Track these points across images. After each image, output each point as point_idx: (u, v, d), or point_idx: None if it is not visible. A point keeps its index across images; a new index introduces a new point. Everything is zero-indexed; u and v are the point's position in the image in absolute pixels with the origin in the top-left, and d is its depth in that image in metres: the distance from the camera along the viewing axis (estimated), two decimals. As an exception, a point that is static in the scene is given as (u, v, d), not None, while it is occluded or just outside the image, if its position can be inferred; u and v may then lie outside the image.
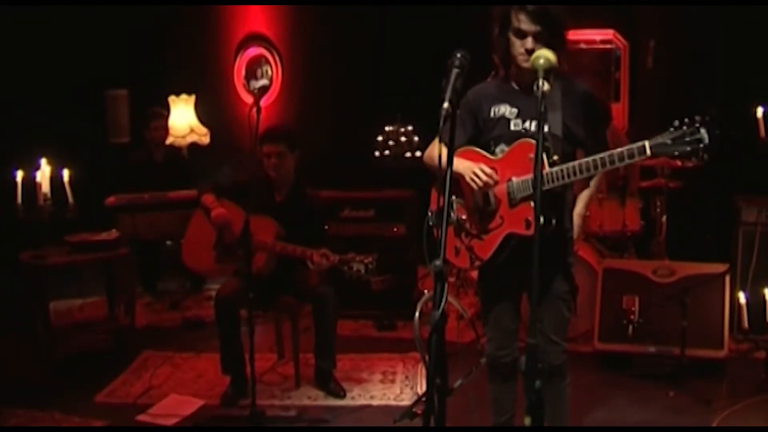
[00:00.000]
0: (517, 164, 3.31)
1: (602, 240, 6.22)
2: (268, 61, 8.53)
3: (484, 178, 3.33)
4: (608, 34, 7.64)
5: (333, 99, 8.19)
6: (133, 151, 7.44)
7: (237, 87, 8.57)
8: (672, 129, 2.92)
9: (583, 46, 7.69)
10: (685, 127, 2.88)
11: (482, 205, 3.45)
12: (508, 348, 3.70)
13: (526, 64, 3.23)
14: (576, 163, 3.16)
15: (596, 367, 5.32)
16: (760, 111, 5.50)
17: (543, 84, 2.39)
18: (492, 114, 3.46)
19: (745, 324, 5.05)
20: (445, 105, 2.44)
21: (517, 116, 3.41)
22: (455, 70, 2.53)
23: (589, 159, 3.13)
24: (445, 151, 3.34)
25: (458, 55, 2.56)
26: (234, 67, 8.55)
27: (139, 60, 7.96)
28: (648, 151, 2.97)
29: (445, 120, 2.44)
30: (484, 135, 3.50)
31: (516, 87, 3.46)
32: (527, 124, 3.39)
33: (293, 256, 4.76)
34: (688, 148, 2.88)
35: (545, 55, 2.52)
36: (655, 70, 7.50)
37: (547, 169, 3.19)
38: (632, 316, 5.17)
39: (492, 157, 3.43)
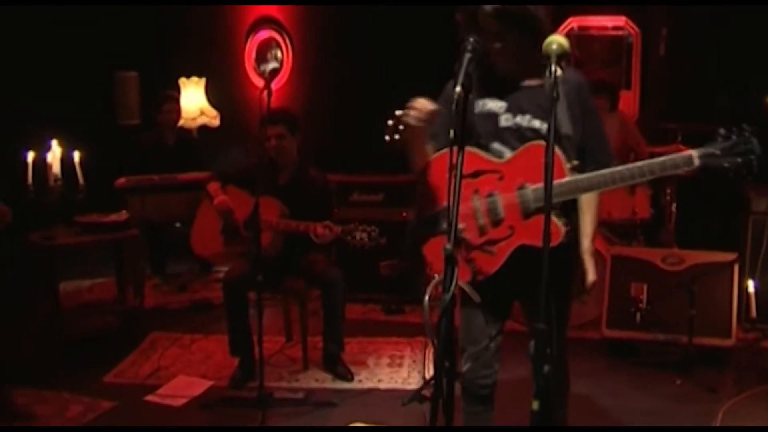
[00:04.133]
0: (530, 169, 2.93)
1: (611, 227, 6.21)
2: (278, 45, 8.51)
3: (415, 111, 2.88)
4: (620, 21, 7.60)
5: (343, 83, 8.16)
6: (144, 133, 7.45)
7: (247, 70, 8.56)
8: (720, 139, 2.71)
9: (594, 33, 7.67)
10: (734, 137, 2.70)
11: (486, 214, 3.02)
12: (489, 369, 3.30)
13: (498, 66, 3.02)
14: (609, 171, 2.84)
15: (604, 354, 5.34)
16: (770, 99, 5.50)
17: (556, 69, 2.34)
18: (477, 109, 3.09)
19: (753, 313, 5.06)
20: (458, 89, 2.38)
21: (507, 111, 3.05)
22: (468, 55, 2.47)
23: (628, 167, 2.82)
24: (437, 151, 3.02)
25: (471, 40, 2.51)
26: (244, 50, 8.54)
27: (150, 42, 7.96)
28: (696, 162, 2.72)
29: (457, 104, 2.38)
30: (476, 131, 3.10)
31: (501, 78, 3.08)
32: (518, 119, 3.03)
33: (297, 232, 4.78)
34: (740, 160, 2.68)
35: (558, 41, 2.38)
36: (667, 57, 7.47)
37: (567, 175, 2.87)
38: (640, 304, 5.17)
39: (496, 159, 3.03)
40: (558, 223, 2.87)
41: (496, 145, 3.05)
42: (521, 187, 2.96)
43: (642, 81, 7.65)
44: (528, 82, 3.05)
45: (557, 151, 2.80)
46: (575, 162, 2.91)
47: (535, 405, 2.16)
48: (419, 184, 3.20)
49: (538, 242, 2.68)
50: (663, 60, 7.49)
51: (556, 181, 2.69)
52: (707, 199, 7.00)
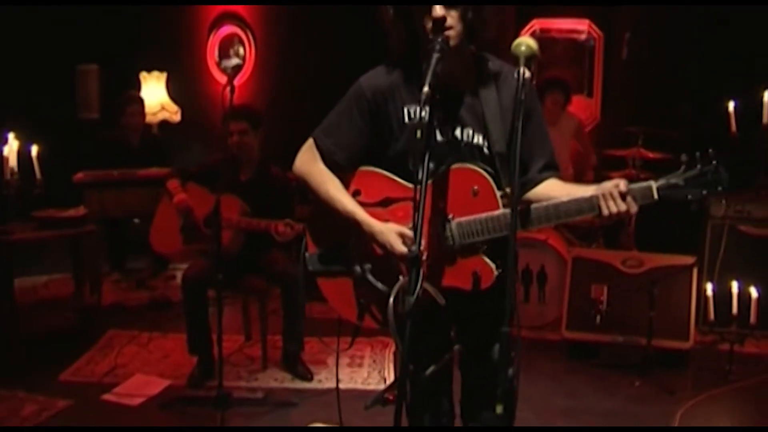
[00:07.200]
0: (452, 198, 2.53)
1: (572, 229, 6.25)
2: (241, 41, 8.45)
3: (401, 251, 2.48)
4: (583, 24, 7.65)
5: (307, 79, 8.13)
6: (104, 128, 7.33)
7: (209, 65, 8.47)
8: (684, 168, 2.40)
9: (556, 35, 7.71)
10: (700, 166, 2.37)
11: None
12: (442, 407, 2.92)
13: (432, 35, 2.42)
14: (553, 204, 2.46)
15: (564, 355, 5.37)
16: (731, 105, 5.55)
17: (524, 72, 2.30)
18: (408, 117, 2.59)
19: (711, 316, 5.09)
20: (425, 89, 2.24)
21: (444, 122, 2.56)
22: (435, 55, 2.34)
23: (576, 199, 2.44)
24: (327, 176, 2.71)
25: (438, 40, 2.38)
26: (207, 46, 8.45)
27: (111, 35, 7.83)
28: (655, 195, 2.44)
29: (424, 104, 2.25)
30: (393, 146, 2.61)
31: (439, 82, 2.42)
32: (459, 132, 2.57)
33: (258, 230, 4.76)
34: (704, 191, 2.39)
35: (527, 42, 2.30)
36: (629, 62, 7.53)
37: (501, 207, 2.47)
38: (600, 306, 5.21)
39: (411, 184, 2.50)
40: (489, 264, 2.50)
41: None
42: (443, 221, 2.54)
43: (604, 85, 7.70)
44: (465, 87, 2.60)
45: (487, 177, 2.49)
46: (507, 190, 2.45)
47: (499, 409, 2.14)
48: (319, 209, 2.80)
49: (465, 285, 2.50)
50: (625, 64, 7.55)
51: (486, 215, 2.48)
52: (667, 203, 7.07)
